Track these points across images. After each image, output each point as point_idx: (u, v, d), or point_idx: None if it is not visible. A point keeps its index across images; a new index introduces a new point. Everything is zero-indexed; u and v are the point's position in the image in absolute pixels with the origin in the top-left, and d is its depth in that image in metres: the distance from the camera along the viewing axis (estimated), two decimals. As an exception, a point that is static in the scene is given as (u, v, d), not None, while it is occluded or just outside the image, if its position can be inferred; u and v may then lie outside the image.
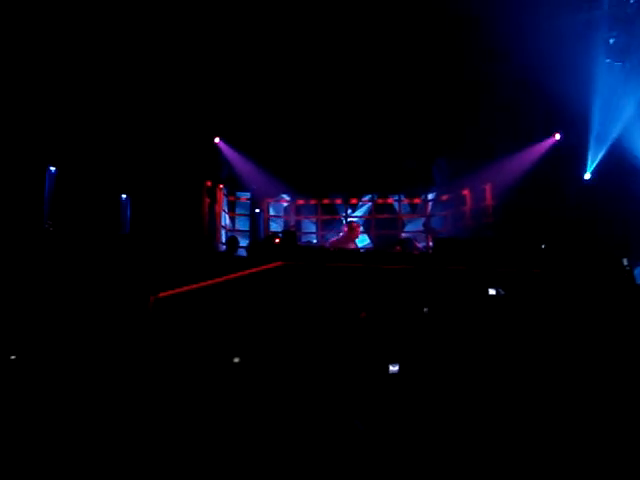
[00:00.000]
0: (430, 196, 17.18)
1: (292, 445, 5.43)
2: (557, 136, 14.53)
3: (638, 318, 7.75)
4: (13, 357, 7.06)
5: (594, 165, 13.95)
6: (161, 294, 8.02)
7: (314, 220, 17.33)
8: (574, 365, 6.78)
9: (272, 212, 17.31)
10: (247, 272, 8.72)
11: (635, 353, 6.95)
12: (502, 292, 8.41)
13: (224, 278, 8.48)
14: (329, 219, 17.22)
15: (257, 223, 16.70)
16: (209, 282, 8.42)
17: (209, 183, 15.42)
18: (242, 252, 14.34)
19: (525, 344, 7.24)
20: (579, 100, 13.15)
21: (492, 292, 8.42)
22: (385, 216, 17.07)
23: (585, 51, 13.11)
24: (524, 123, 14.13)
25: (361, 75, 14.71)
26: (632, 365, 6.72)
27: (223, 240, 15.80)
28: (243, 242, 15.58)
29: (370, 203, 17.12)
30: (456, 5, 13.06)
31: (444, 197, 16.91)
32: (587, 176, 14.12)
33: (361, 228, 16.28)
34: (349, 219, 16.68)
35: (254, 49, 14.10)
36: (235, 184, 16.52)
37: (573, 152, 13.99)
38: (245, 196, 16.92)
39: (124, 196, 13.85)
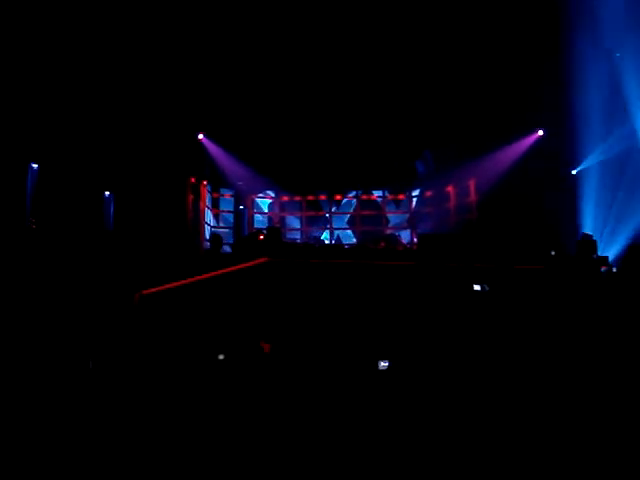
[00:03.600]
0: (414, 192, 17.24)
1: (275, 441, 5.44)
2: (540, 132, 14.60)
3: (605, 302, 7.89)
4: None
5: (582, 161, 14.08)
6: (146, 291, 8.00)
7: (298, 216, 17.36)
8: (559, 356, 6.84)
9: (256, 208, 17.31)
10: (232, 269, 8.71)
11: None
12: (487, 288, 8.46)
13: (209, 275, 8.47)
14: (313, 215, 17.25)
15: (241, 220, 16.69)
16: (194, 279, 8.41)
17: (193, 179, 15.39)
18: (227, 249, 14.34)
19: (509, 338, 7.29)
20: (565, 96, 13.21)
21: (477, 288, 8.46)
22: (369, 212, 17.12)
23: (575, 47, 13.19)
24: (508, 119, 14.19)
25: (346, 72, 14.70)
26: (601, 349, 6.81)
27: (207, 237, 15.78)
28: (227, 239, 15.58)
29: (354, 199, 17.16)
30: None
31: (428, 193, 16.97)
32: (574, 172, 14.25)
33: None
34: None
35: (239, 46, 14.05)
36: (219, 181, 16.49)
37: (558, 148, 14.04)
38: (229, 193, 16.90)
39: (107, 193, 13.77)
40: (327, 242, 16.69)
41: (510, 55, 13.27)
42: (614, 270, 9.83)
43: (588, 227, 13.26)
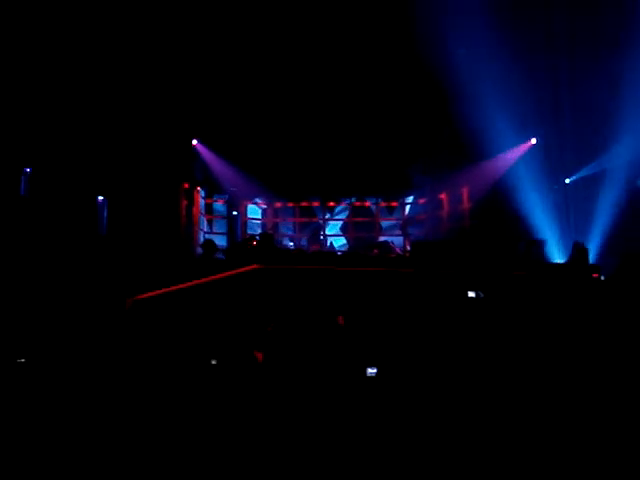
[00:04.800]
0: (408, 199, 17.27)
1: (269, 447, 5.43)
2: (533, 140, 14.63)
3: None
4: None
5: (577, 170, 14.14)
6: (138, 296, 7.99)
7: (291, 223, 17.35)
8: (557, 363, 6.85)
9: (249, 215, 17.29)
10: (224, 275, 8.71)
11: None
12: (481, 295, 8.46)
13: (201, 280, 8.47)
14: (306, 222, 17.24)
15: (234, 226, 16.67)
16: (186, 284, 8.40)
17: (186, 185, 15.36)
18: (220, 255, 14.29)
19: (505, 344, 7.30)
20: (558, 104, 13.30)
21: (471, 294, 8.47)
22: (362, 219, 17.13)
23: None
24: (502, 127, 14.22)
25: (339, 79, 14.74)
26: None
27: (201, 242, 15.74)
28: (220, 245, 15.54)
29: (348, 206, 17.17)
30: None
31: (421, 200, 17.00)
32: (567, 181, 14.32)
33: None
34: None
35: (234, 53, 14.08)
36: (213, 186, 16.45)
37: (551, 156, 14.10)
38: (222, 198, 16.87)
39: (101, 198, 13.74)
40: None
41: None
42: (602, 278, 9.87)
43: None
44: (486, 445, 5.37)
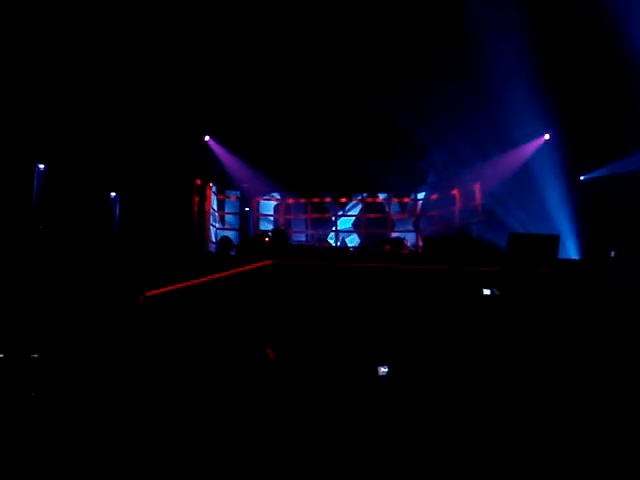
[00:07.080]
0: (420, 195, 17.20)
1: (281, 446, 5.41)
2: (546, 136, 14.54)
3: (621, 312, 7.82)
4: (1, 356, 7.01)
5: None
6: (150, 293, 7.99)
7: (303, 219, 17.32)
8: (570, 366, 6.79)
9: (262, 211, 17.28)
10: (237, 271, 8.68)
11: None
12: (496, 292, 8.38)
13: (214, 276, 8.45)
14: (319, 218, 17.21)
15: (247, 222, 16.67)
16: (198, 280, 8.38)
17: (199, 181, 15.38)
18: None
19: (521, 344, 7.25)
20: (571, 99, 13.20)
21: (487, 292, 8.39)
22: (374, 215, 17.08)
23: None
24: (514, 123, 14.14)
25: (351, 73, 14.69)
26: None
27: (212, 238, 15.75)
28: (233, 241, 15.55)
29: (360, 202, 17.12)
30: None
31: (434, 196, 16.93)
32: (582, 178, 14.22)
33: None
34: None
35: (245, 48, 14.06)
36: (225, 182, 16.48)
37: (566, 152, 13.99)
38: (235, 194, 16.87)
39: (113, 194, 13.77)
40: (332, 242, 16.69)
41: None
42: None
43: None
44: (501, 446, 5.34)
